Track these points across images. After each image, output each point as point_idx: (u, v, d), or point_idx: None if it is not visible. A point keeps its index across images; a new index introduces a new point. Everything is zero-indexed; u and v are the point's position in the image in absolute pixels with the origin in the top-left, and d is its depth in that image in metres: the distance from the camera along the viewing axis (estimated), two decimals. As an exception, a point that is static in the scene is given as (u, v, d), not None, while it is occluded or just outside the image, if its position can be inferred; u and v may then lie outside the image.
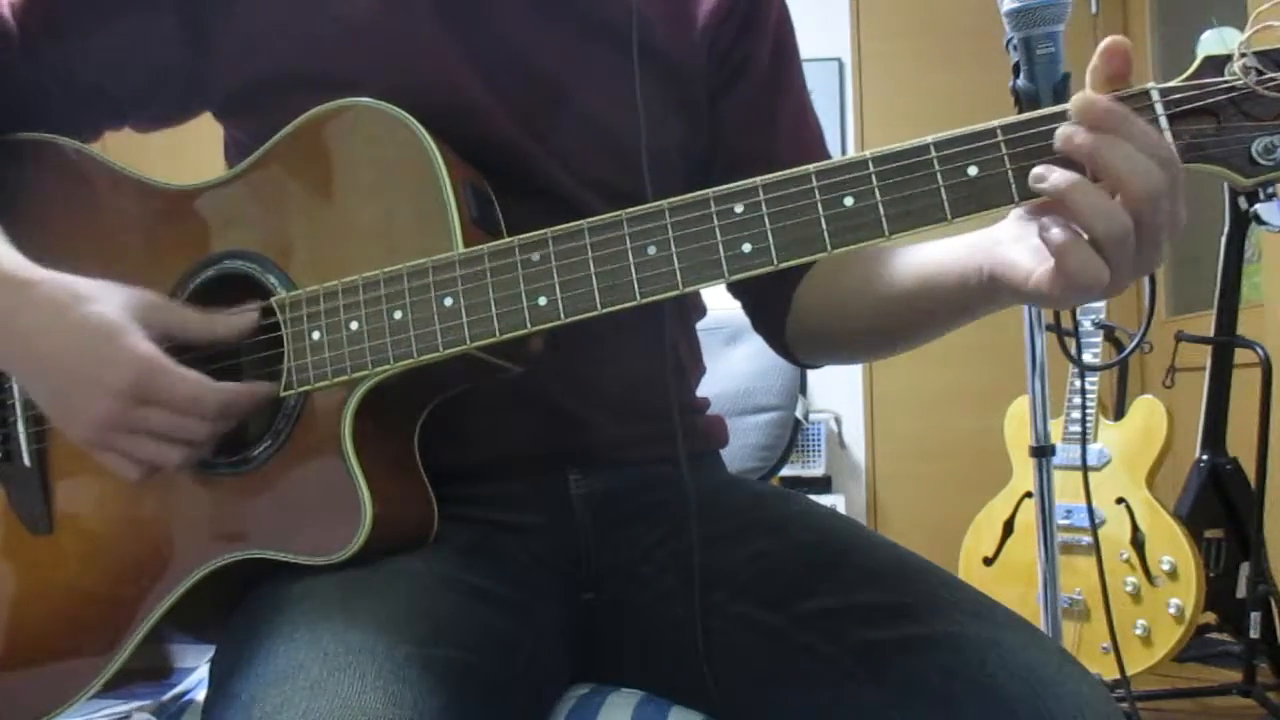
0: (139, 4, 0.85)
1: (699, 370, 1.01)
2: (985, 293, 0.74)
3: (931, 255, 0.79)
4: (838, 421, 3.88)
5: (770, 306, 0.96)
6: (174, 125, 0.94)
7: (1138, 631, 2.32)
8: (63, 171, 0.87)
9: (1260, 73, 0.63)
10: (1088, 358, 2.45)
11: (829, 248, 0.68)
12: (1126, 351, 1.65)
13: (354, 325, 0.75)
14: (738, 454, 1.53)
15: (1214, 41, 0.66)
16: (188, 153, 1.24)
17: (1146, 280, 1.45)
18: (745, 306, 0.99)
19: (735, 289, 0.97)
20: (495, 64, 0.84)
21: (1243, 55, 0.64)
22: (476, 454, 0.85)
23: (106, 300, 0.74)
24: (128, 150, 1.01)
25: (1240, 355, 2.43)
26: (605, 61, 0.86)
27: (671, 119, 0.90)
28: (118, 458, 0.75)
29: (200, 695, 0.84)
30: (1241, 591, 2.34)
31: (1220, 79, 0.64)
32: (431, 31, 0.83)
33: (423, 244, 0.74)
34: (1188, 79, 0.65)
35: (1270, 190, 0.67)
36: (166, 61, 0.87)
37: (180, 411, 0.73)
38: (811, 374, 1.62)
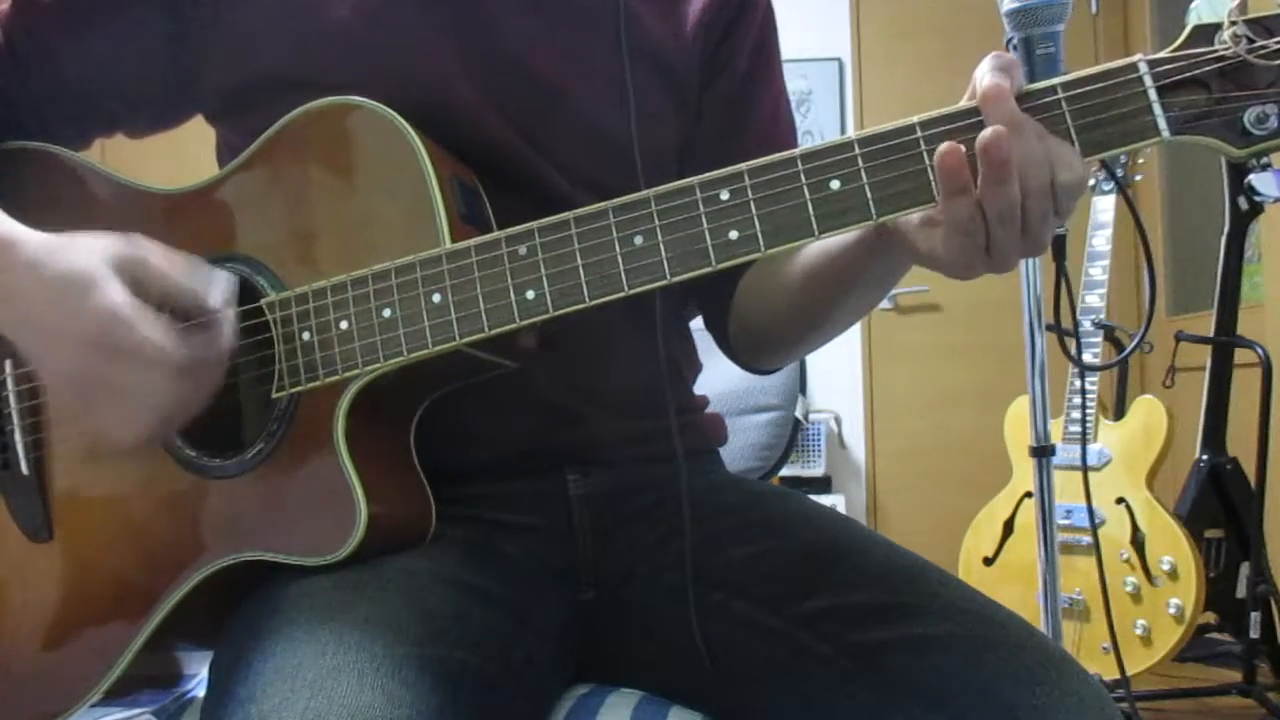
0: (128, 8, 0.85)
1: (695, 369, 1.00)
2: (879, 246, 0.74)
3: None
4: (838, 421, 3.88)
5: (715, 306, 0.95)
6: (166, 129, 0.94)
7: (1138, 631, 2.32)
8: (54, 179, 0.87)
9: (1251, 40, 0.62)
10: (1088, 358, 2.44)
11: (816, 232, 0.67)
12: (1126, 351, 1.65)
13: (343, 325, 0.75)
14: (738, 454, 1.53)
15: (1204, 9, 0.64)
16: (187, 154, 1.24)
17: (1146, 280, 1.45)
18: (699, 308, 0.99)
19: (689, 292, 0.97)
20: (488, 64, 0.83)
21: (1233, 23, 0.62)
22: (474, 454, 0.85)
23: (82, 250, 0.71)
24: (127, 151, 1.01)
25: (1240, 355, 2.43)
26: (598, 61, 0.86)
27: (667, 117, 0.90)
28: (91, 419, 0.73)
29: (200, 694, 0.84)
30: (1241, 591, 2.34)
31: (1210, 48, 0.63)
32: (423, 32, 0.83)
33: (411, 241, 0.74)
34: (1177, 49, 0.64)
35: (1264, 160, 0.66)
36: (156, 66, 0.87)
37: (146, 364, 0.69)
38: (811, 374, 1.62)
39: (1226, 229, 2.38)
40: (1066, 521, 2.38)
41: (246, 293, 0.79)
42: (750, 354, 0.97)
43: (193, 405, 0.73)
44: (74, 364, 0.70)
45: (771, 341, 0.95)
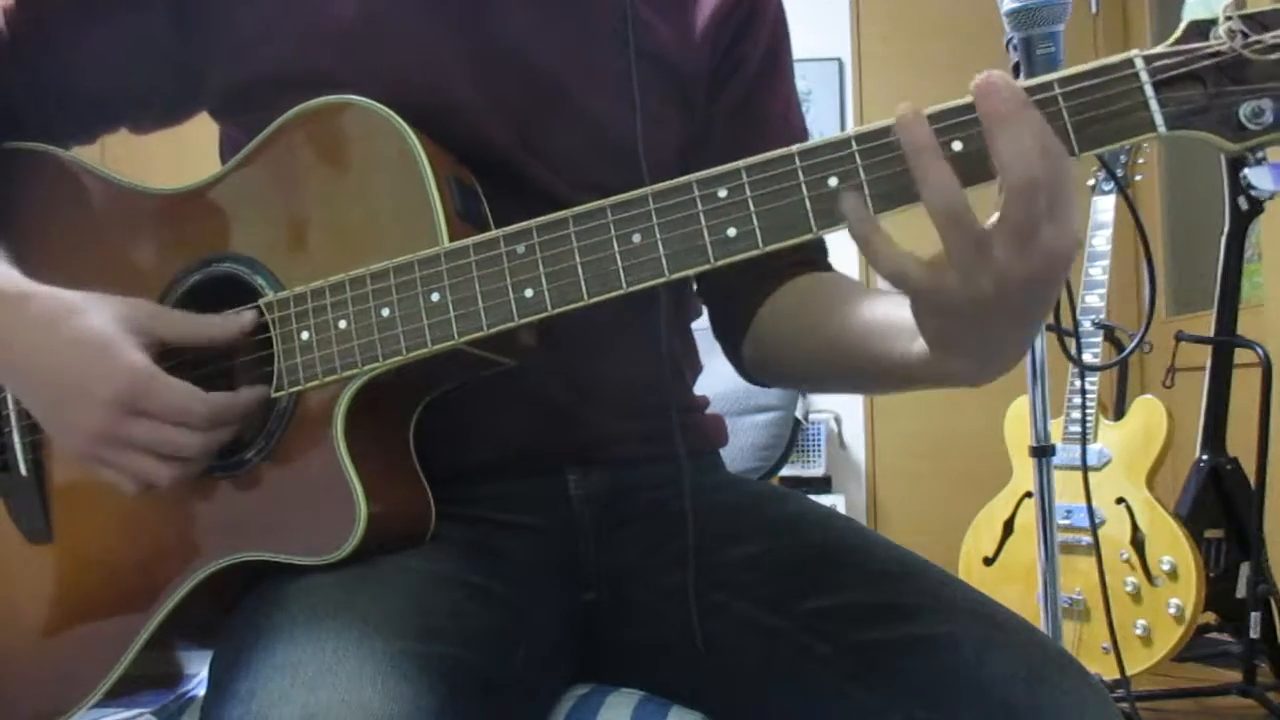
0: (131, 4, 0.85)
1: (696, 369, 1.00)
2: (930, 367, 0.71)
3: (884, 301, 0.77)
4: (838, 421, 3.88)
5: (733, 319, 0.94)
6: (171, 125, 0.94)
7: (1138, 631, 2.32)
8: (53, 180, 0.87)
9: (1246, 35, 0.62)
10: (1088, 358, 2.44)
11: (814, 229, 0.67)
12: (1126, 351, 1.65)
13: (342, 324, 0.75)
14: (738, 454, 1.53)
15: (1199, 5, 0.65)
16: (189, 150, 1.24)
17: (1146, 280, 1.45)
18: (710, 313, 0.98)
19: (703, 291, 0.96)
20: (490, 65, 0.83)
21: (1228, 18, 0.62)
22: (474, 453, 0.85)
23: (98, 312, 0.74)
24: (127, 150, 1.01)
25: (1240, 355, 2.42)
26: (603, 63, 0.85)
27: (671, 121, 0.90)
28: (112, 473, 0.75)
29: (201, 692, 0.84)
30: (1241, 591, 2.34)
31: (1205, 44, 0.63)
32: (425, 31, 0.83)
33: (408, 240, 0.74)
34: (1173, 45, 0.64)
35: (1260, 154, 0.65)
36: (160, 62, 0.87)
37: (169, 423, 0.73)
38: (811, 374, 1.62)
39: (1226, 229, 2.38)
40: (1066, 521, 2.38)
41: (245, 292, 0.79)
42: (760, 374, 0.96)
43: (206, 459, 0.76)
44: (95, 422, 0.73)
45: (791, 377, 0.96)
